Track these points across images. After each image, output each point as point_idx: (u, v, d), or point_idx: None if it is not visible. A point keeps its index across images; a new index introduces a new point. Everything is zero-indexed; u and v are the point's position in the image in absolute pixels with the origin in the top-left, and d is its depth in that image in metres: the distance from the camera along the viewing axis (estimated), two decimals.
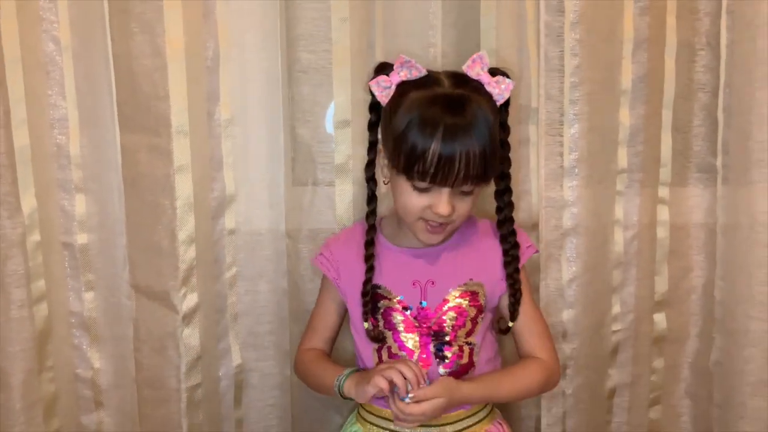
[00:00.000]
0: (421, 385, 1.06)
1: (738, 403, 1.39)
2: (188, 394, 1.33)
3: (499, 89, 1.10)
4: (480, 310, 1.17)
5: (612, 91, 1.32)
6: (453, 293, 1.16)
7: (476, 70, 1.11)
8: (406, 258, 1.18)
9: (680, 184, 1.43)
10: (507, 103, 1.13)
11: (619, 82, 1.32)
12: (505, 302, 1.20)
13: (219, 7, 1.27)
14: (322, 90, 1.34)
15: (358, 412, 1.22)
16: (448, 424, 1.14)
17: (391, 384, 1.06)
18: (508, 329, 1.20)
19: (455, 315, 1.15)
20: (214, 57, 1.29)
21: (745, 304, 1.36)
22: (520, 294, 1.18)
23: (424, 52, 1.30)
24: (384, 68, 1.14)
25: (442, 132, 1.02)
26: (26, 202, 1.28)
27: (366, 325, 1.17)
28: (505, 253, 1.18)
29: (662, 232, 1.40)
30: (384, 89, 1.12)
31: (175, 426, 1.34)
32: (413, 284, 1.16)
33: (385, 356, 1.16)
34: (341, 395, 1.13)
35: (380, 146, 1.15)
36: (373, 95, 1.14)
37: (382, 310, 1.17)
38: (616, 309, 1.40)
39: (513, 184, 1.19)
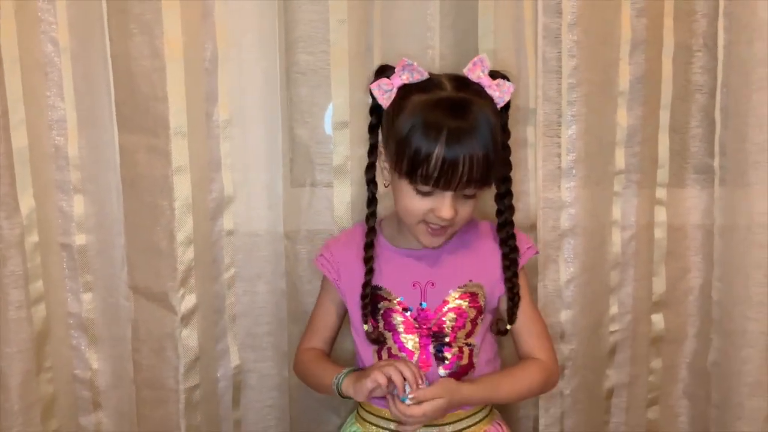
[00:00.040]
0: (420, 386, 1.06)
1: (735, 404, 1.40)
2: (186, 395, 1.33)
3: (499, 92, 1.11)
4: (480, 311, 1.17)
5: (609, 93, 1.32)
6: (453, 294, 1.16)
7: (477, 73, 1.11)
8: (406, 259, 1.18)
9: (678, 185, 1.43)
10: (507, 105, 1.13)
11: (616, 84, 1.32)
12: (505, 304, 1.20)
13: (218, 9, 1.27)
14: (320, 91, 1.34)
15: (357, 412, 1.22)
16: (447, 424, 1.14)
17: (390, 385, 1.06)
18: (507, 331, 1.20)
19: (455, 316, 1.15)
20: (212, 58, 1.29)
21: (742, 305, 1.36)
22: (519, 298, 1.18)
23: (422, 53, 1.30)
24: (384, 71, 1.14)
25: (446, 136, 1.02)
26: (24, 203, 1.28)
27: (365, 327, 1.17)
28: (505, 256, 1.18)
29: (660, 233, 1.41)
30: (385, 92, 1.11)
31: (173, 427, 1.34)
32: (413, 285, 1.16)
33: (385, 357, 1.16)
34: (339, 394, 1.13)
35: (381, 149, 1.15)
36: (373, 98, 1.14)
37: (382, 311, 1.17)
38: (614, 309, 1.40)
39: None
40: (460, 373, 1.15)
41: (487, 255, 1.19)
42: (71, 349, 1.39)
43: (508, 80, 1.12)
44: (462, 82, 1.10)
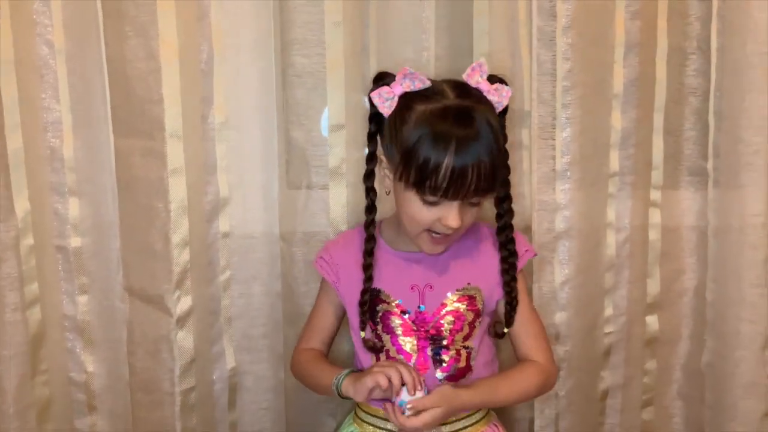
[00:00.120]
0: (417, 390, 1.07)
1: (729, 405, 1.40)
2: (182, 398, 1.33)
3: (498, 97, 1.11)
4: (478, 314, 1.17)
5: (604, 95, 1.33)
6: (451, 297, 1.16)
7: (476, 78, 1.10)
8: (405, 262, 1.18)
9: (672, 187, 1.43)
10: (505, 109, 1.13)
11: (610, 86, 1.33)
12: (503, 307, 1.20)
13: (213, 11, 1.28)
14: (316, 94, 1.34)
15: (355, 413, 1.22)
16: (444, 425, 1.14)
17: (389, 389, 1.06)
18: (504, 334, 1.20)
19: (453, 319, 1.15)
20: (208, 60, 1.29)
21: (736, 307, 1.37)
22: (517, 302, 1.18)
23: (417, 55, 1.30)
24: (383, 78, 1.13)
25: (455, 146, 1.01)
26: (20, 206, 1.28)
27: (362, 333, 1.17)
28: (503, 260, 1.18)
29: (654, 235, 1.41)
30: (386, 100, 1.10)
31: (169, 429, 1.34)
32: (412, 288, 1.16)
33: (383, 359, 1.17)
34: (339, 394, 1.13)
35: (381, 157, 1.14)
36: (373, 106, 1.12)
37: (380, 314, 1.17)
38: (609, 311, 1.40)
39: None
40: (457, 376, 1.16)
41: (486, 258, 1.19)
42: (66, 352, 1.38)
43: (506, 84, 1.12)
44: (463, 89, 1.09)
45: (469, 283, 1.17)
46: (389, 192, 1.14)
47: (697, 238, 1.43)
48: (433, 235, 1.10)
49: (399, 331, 1.16)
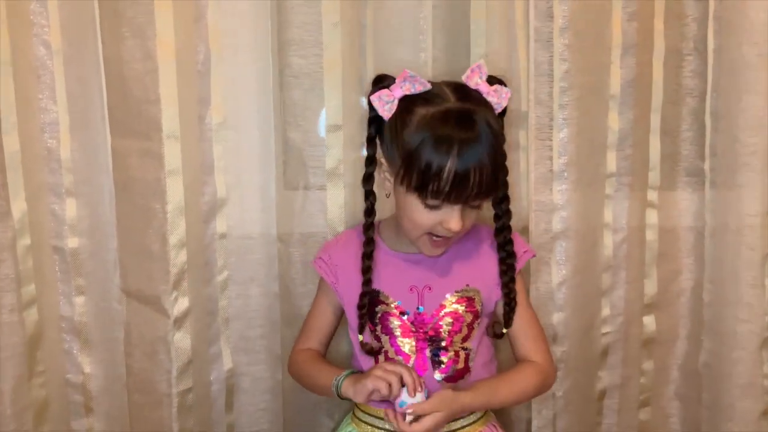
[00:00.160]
0: (417, 391, 1.07)
1: (726, 405, 1.40)
2: (179, 399, 1.32)
3: (497, 98, 1.10)
4: (476, 315, 1.17)
5: (601, 96, 1.33)
6: (450, 299, 1.16)
7: (475, 80, 1.10)
8: (404, 263, 1.18)
9: (669, 188, 1.44)
10: (504, 111, 1.13)
11: (607, 87, 1.33)
12: (501, 308, 1.20)
13: (210, 11, 1.27)
14: (313, 94, 1.34)
15: (353, 413, 1.22)
16: None
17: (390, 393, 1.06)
18: (503, 334, 1.20)
19: (452, 320, 1.15)
20: (205, 61, 1.29)
21: (733, 307, 1.37)
22: (515, 303, 1.18)
23: (414, 56, 1.30)
24: (382, 80, 1.13)
25: (457, 149, 1.01)
26: (16, 206, 1.27)
27: (360, 337, 1.17)
28: (502, 261, 1.18)
29: (651, 236, 1.41)
30: (386, 103, 1.09)
31: (166, 430, 1.33)
32: (410, 289, 1.16)
33: (381, 360, 1.16)
34: (338, 395, 1.13)
35: (381, 160, 1.14)
36: (372, 108, 1.12)
37: (379, 315, 1.17)
38: (606, 312, 1.41)
39: None
40: (456, 377, 1.16)
41: (485, 260, 1.19)
42: (63, 353, 1.38)
43: (505, 86, 1.12)
44: (463, 91, 1.09)
45: (468, 285, 1.17)
46: (389, 194, 1.13)
47: (694, 238, 1.44)
48: (434, 237, 1.10)
49: (398, 332, 1.16)
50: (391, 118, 1.10)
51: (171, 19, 1.21)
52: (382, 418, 1.15)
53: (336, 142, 1.31)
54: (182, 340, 1.30)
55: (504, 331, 1.19)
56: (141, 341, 1.32)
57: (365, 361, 1.18)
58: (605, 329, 1.41)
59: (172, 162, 1.24)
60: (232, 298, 1.37)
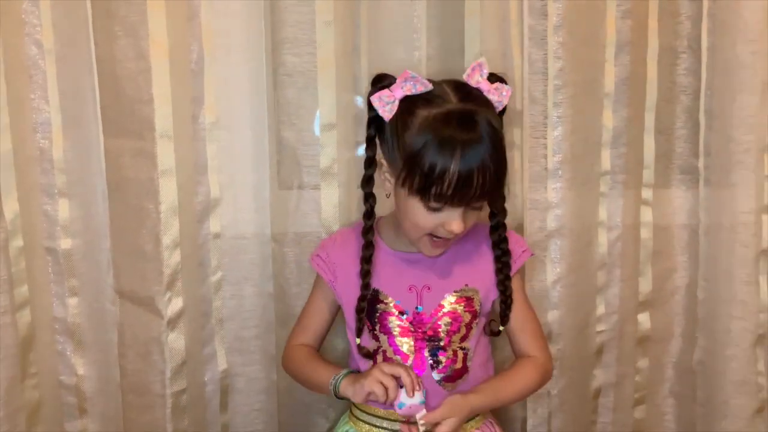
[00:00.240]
0: (416, 391, 1.07)
1: (721, 402, 1.41)
2: (173, 400, 1.32)
3: (498, 96, 1.09)
4: (475, 315, 1.17)
5: (595, 94, 1.33)
6: (449, 299, 1.16)
7: (476, 78, 1.09)
8: (403, 263, 1.17)
9: (663, 186, 1.44)
10: (503, 109, 1.12)
11: (602, 85, 1.33)
12: (498, 306, 1.20)
13: (203, 10, 1.27)
14: (307, 93, 1.33)
15: (351, 412, 1.22)
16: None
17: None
18: (500, 332, 1.20)
19: (450, 320, 1.15)
20: (198, 60, 1.28)
21: (727, 304, 1.38)
22: (511, 301, 1.18)
23: (408, 55, 1.30)
24: (382, 80, 1.11)
25: (460, 152, 1.00)
26: (9, 207, 1.26)
27: (358, 341, 1.17)
28: (497, 259, 1.18)
29: (646, 234, 1.42)
30: (387, 104, 1.08)
31: None
32: (410, 289, 1.16)
33: (379, 360, 1.16)
34: (336, 394, 1.13)
35: (381, 161, 1.12)
36: (372, 109, 1.10)
37: (378, 314, 1.16)
38: (601, 310, 1.41)
39: None
40: (454, 377, 1.16)
41: (483, 259, 1.19)
42: (57, 355, 1.37)
43: (506, 83, 1.11)
44: (465, 91, 1.07)
45: (466, 285, 1.17)
46: (389, 195, 1.12)
47: (689, 236, 1.44)
48: (434, 238, 1.10)
49: (396, 332, 1.16)
50: (391, 119, 1.08)
51: (164, 19, 1.20)
52: (379, 417, 1.15)
53: (330, 141, 1.30)
54: (176, 341, 1.30)
55: (501, 328, 1.19)
56: (135, 342, 1.32)
57: (362, 363, 1.18)
58: (600, 327, 1.41)
59: (166, 162, 1.24)
60: (226, 299, 1.37)
